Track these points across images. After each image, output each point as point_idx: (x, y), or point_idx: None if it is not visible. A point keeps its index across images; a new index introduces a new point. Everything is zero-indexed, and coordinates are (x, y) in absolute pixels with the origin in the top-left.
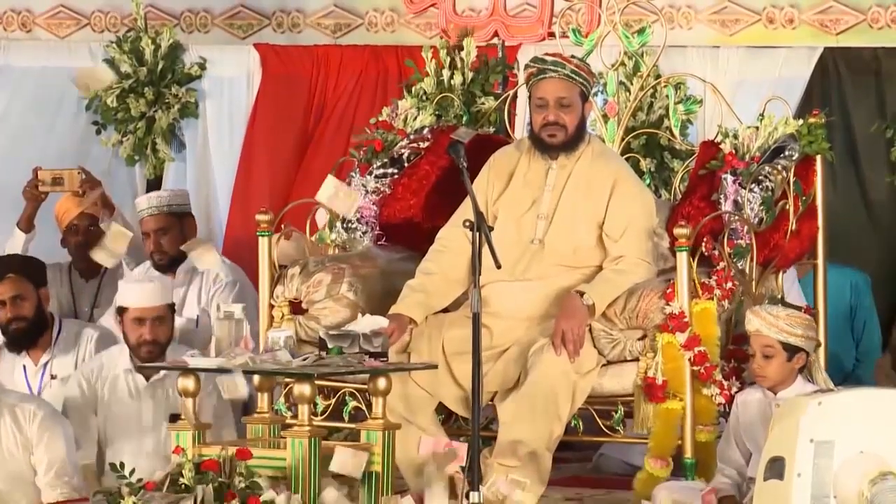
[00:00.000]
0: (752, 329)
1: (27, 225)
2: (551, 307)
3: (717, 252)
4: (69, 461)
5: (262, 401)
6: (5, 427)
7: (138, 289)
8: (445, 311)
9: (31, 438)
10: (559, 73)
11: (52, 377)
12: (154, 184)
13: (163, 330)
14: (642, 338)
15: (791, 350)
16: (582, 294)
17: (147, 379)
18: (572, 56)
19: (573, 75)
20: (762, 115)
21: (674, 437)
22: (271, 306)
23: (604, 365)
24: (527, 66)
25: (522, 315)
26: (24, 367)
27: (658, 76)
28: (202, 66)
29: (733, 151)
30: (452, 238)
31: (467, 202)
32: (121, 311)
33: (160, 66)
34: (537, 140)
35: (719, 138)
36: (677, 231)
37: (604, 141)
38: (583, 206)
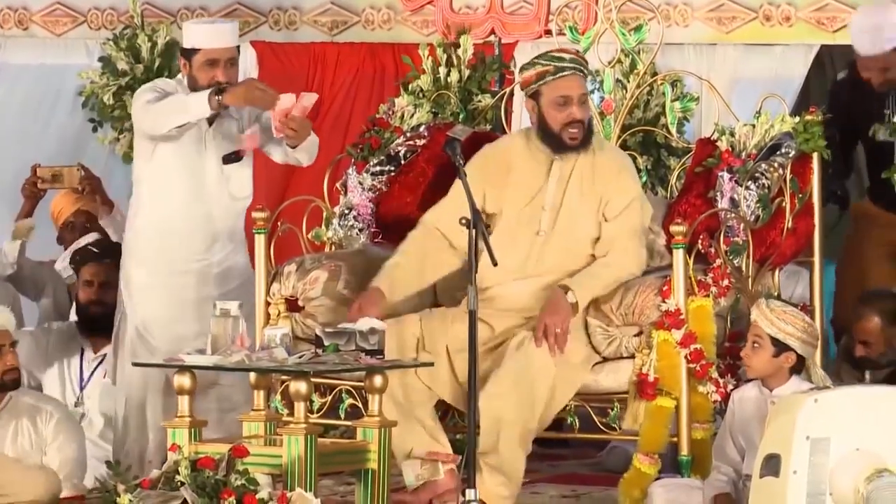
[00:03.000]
0: (753, 318)
1: None
2: None
3: (713, 249)
4: (79, 464)
5: (259, 398)
6: (22, 426)
7: (212, 30)
8: (441, 306)
9: (45, 438)
10: (578, 69)
11: (104, 374)
12: None
13: (234, 73)
14: (638, 334)
15: (779, 346)
16: (567, 290)
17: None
18: (576, 51)
19: (586, 71)
20: (759, 112)
21: (664, 435)
22: (267, 303)
23: (600, 361)
24: (536, 64)
25: (526, 310)
26: (83, 350)
27: (655, 73)
28: None
29: (730, 149)
30: (435, 222)
31: (455, 188)
32: (188, 53)
33: (157, 64)
34: (556, 139)
35: (716, 136)
36: (674, 228)
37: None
38: (587, 198)
